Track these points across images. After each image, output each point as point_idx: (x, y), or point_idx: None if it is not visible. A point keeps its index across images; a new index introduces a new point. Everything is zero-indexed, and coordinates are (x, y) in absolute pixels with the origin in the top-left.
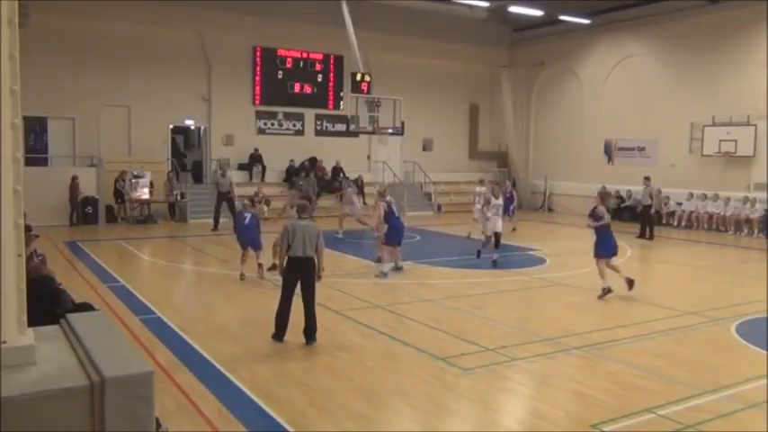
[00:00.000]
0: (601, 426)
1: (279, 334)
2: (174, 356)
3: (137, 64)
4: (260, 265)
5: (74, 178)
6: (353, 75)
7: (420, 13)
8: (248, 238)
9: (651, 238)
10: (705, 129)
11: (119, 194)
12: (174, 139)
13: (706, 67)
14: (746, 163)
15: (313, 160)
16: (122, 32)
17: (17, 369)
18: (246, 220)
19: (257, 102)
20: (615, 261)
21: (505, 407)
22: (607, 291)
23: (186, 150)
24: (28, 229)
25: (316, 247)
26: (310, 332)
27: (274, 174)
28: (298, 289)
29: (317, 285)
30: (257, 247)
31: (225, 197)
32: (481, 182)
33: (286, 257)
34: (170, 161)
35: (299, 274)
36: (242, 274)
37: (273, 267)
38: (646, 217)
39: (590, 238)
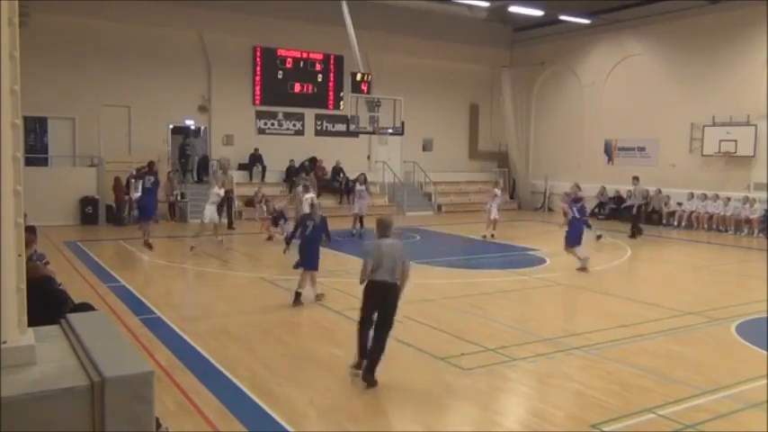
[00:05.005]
0: (601, 426)
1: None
2: (174, 356)
3: (137, 64)
4: (319, 296)
5: (116, 179)
6: (353, 75)
7: (420, 13)
8: (308, 254)
9: (634, 236)
10: (705, 129)
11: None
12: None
13: (706, 67)
14: (746, 163)
15: (313, 160)
16: (122, 32)
17: (17, 369)
18: (308, 230)
19: (257, 102)
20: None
21: (505, 407)
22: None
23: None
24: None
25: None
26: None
27: (274, 174)
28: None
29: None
30: (313, 266)
31: (227, 195)
32: (496, 183)
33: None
34: (170, 161)
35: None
36: (298, 298)
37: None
38: (635, 215)
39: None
